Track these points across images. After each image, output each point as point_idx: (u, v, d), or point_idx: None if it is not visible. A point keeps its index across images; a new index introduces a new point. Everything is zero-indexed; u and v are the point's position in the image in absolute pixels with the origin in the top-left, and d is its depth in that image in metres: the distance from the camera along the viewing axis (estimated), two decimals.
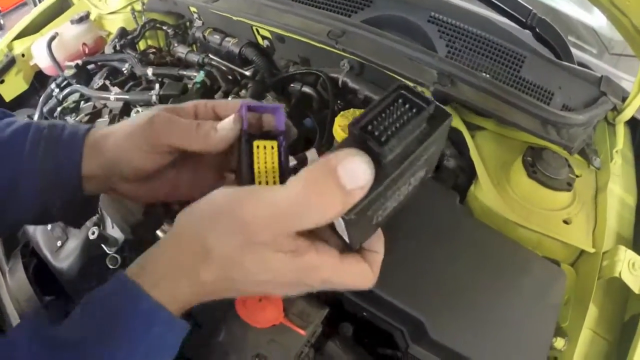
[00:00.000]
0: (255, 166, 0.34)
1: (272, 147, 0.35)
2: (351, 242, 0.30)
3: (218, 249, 0.28)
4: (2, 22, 2.91)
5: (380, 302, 0.47)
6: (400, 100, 0.28)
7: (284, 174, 0.35)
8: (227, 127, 0.35)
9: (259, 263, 0.28)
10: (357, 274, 0.32)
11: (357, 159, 0.25)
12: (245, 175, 0.34)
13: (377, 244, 0.33)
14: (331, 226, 0.30)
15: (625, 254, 0.56)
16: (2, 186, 0.37)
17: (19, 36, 1.04)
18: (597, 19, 1.19)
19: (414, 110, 0.27)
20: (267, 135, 0.36)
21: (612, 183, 0.66)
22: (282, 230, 0.27)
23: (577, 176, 0.63)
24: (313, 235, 0.30)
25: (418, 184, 0.31)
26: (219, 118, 0.38)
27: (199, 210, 0.30)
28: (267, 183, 0.34)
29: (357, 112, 0.57)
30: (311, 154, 0.58)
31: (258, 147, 0.35)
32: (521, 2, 0.65)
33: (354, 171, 0.25)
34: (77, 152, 0.38)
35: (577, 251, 0.61)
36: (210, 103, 0.39)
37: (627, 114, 0.70)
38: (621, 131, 0.73)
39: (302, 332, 0.44)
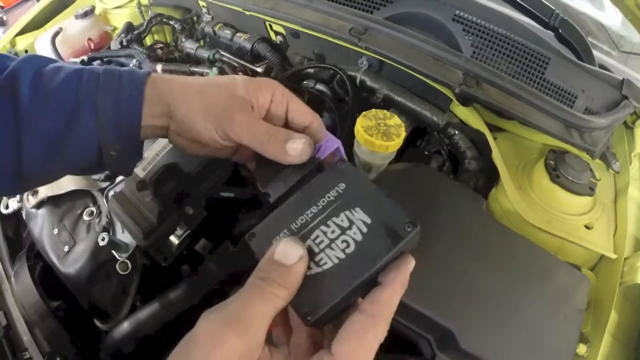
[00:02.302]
0: None
1: None
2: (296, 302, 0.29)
3: None
4: (4, 18, 2.85)
5: (405, 309, 0.46)
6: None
7: None
8: (296, 152, 0.36)
9: None
10: None
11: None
12: None
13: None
14: None
15: None
16: (58, 128, 0.37)
17: (22, 32, 1.01)
18: (608, 17, 1.18)
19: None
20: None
21: (630, 187, 0.66)
22: None
23: (598, 180, 0.62)
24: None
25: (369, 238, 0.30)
26: (283, 115, 0.39)
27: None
28: None
29: (379, 112, 0.55)
30: None
31: None
32: (544, 2, 0.63)
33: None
34: (138, 101, 0.38)
35: (597, 256, 0.60)
36: (286, 95, 0.39)
37: None
38: None
39: None
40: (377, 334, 0.28)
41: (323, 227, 0.30)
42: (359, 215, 0.30)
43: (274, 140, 0.36)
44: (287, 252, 0.29)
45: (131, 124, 0.38)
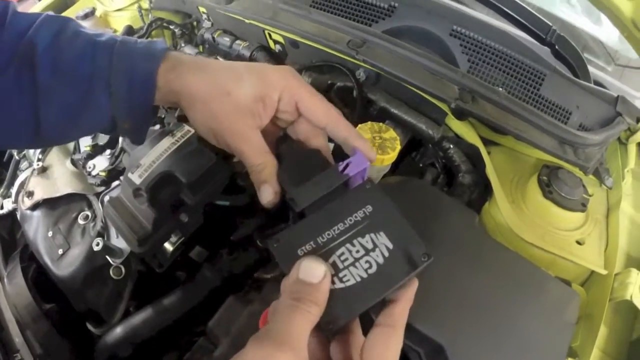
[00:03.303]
0: None
1: None
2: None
3: None
4: None
5: None
6: None
7: None
8: (262, 200, 0.38)
9: None
10: None
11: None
12: None
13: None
14: None
15: (637, 277, 0.56)
16: (73, 103, 0.39)
17: None
18: (605, 32, 1.19)
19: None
20: None
21: (623, 202, 0.67)
22: None
23: (590, 196, 0.63)
24: None
25: (393, 260, 0.33)
26: (294, 111, 0.40)
27: None
28: None
29: (375, 125, 0.56)
30: None
31: None
32: (541, 18, 0.64)
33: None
34: (150, 86, 0.39)
35: (588, 271, 0.61)
36: (296, 94, 0.39)
37: None
38: (633, 151, 0.73)
39: None
40: (398, 341, 0.31)
41: (349, 246, 0.33)
42: (383, 240, 0.33)
43: (256, 175, 0.38)
44: (311, 270, 0.31)
45: (143, 104, 0.40)
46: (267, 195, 0.38)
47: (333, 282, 0.32)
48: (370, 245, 0.33)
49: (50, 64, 0.37)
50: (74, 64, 0.38)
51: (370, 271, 0.32)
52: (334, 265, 0.32)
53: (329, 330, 0.31)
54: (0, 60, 0.36)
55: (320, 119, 0.40)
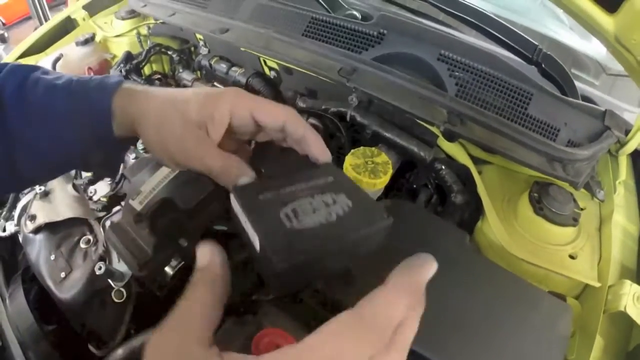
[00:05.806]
0: None
1: None
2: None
3: None
4: (6, 34, 2.90)
5: None
6: None
7: None
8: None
9: None
10: None
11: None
12: None
13: None
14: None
15: (630, 288, 0.57)
16: (43, 142, 0.41)
17: (24, 55, 1.03)
18: (595, 47, 1.20)
19: None
20: None
21: (615, 214, 0.67)
22: None
23: (582, 209, 0.64)
24: None
25: (349, 213, 0.32)
26: (251, 125, 0.40)
27: None
28: None
29: (367, 150, 0.57)
30: None
31: None
32: (527, 38, 0.66)
33: None
34: (108, 114, 0.41)
35: (582, 284, 0.62)
36: (249, 104, 0.39)
37: (630, 147, 0.71)
38: (624, 163, 0.74)
39: None
40: (360, 341, 0.22)
41: (309, 198, 0.33)
42: (343, 199, 0.34)
43: (226, 176, 0.38)
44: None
45: (107, 134, 0.42)
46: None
47: (291, 221, 0.31)
48: (330, 201, 0.33)
49: (16, 107, 0.40)
50: (37, 107, 0.40)
51: (329, 219, 0.32)
52: (294, 211, 0.32)
53: (280, 267, 0.28)
54: None
55: (278, 117, 0.39)
